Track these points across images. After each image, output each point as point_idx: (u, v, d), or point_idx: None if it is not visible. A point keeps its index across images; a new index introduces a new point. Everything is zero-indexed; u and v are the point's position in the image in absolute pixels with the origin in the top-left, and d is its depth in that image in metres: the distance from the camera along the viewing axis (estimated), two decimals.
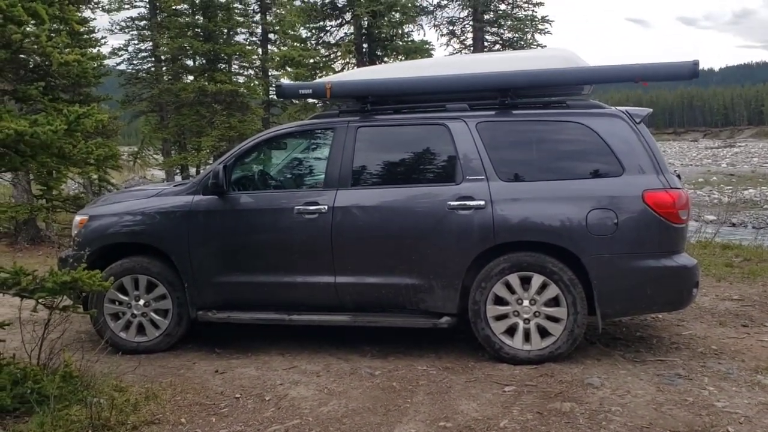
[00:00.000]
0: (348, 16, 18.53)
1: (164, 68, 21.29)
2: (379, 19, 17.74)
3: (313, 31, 19.42)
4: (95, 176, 12.21)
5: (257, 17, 22.47)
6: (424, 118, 5.03)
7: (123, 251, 5.16)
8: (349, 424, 3.71)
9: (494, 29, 22.23)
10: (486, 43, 21.83)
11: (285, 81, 18.89)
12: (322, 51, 19.41)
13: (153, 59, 21.47)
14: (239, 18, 21.32)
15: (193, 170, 20.49)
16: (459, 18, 22.27)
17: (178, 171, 21.00)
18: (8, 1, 3.80)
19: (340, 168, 4.91)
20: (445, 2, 21.92)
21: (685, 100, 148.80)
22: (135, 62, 21.53)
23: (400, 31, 18.82)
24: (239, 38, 21.69)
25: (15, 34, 4.05)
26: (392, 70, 5.53)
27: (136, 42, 21.41)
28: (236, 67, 22.15)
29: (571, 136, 4.73)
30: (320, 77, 16.74)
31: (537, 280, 4.54)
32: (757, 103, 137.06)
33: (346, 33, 19.00)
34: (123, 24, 21.12)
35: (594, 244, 4.45)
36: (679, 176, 4.81)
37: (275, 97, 14.46)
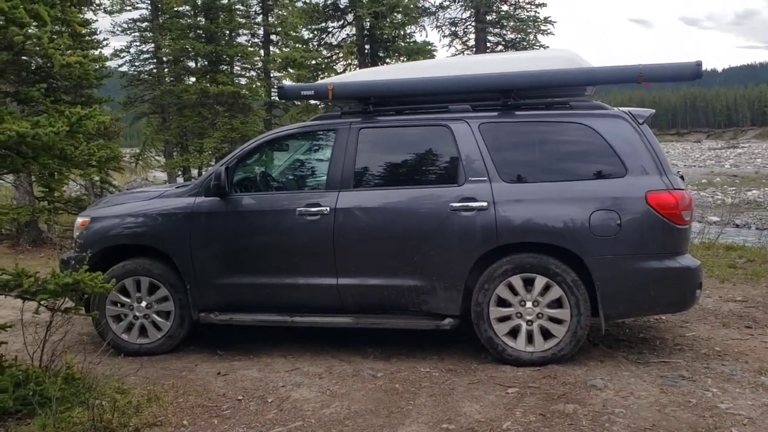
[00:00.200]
0: (350, 17, 18.50)
1: (166, 70, 21.35)
2: (381, 20, 17.72)
3: (315, 32, 19.40)
4: (97, 178, 12.25)
5: (259, 19, 22.54)
6: (426, 120, 5.02)
7: (125, 253, 5.15)
8: (351, 426, 3.70)
9: (497, 30, 22.20)
10: (488, 44, 21.79)
11: (287, 82, 18.88)
12: (324, 52, 19.39)
13: (155, 61, 21.54)
14: (241, 19, 21.39)
15: (195, 172, 20.53)
16: (461, 19, 22.25)
17: (180, 173, 21.06)
18: (10, 3, 3.79)
19: (342, 169, 4.91)
20: (448, 3, 21.89)
21: (688, 100, 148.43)
22: (137, 64, 21.65)
23: (402, 33, 18.80)
24: (241, 40, 21.80)
25: (17, 35, 4.05)
26: (394, 71, 5.51)
27: (138, 43, 21.52)
28: (238, 68, 22.23)
29: (573, 137, 4.72)
30: (322, 78, 16.72)
31: (540, 281, 4.52)
32: (761, 104, 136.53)
33: (348, 34, 18.98)
34: (125, 26, 21.24)
35: (597, 245, 4.44)
36: (682, 177, 4.79)
37: (277, 98, 14.51)
